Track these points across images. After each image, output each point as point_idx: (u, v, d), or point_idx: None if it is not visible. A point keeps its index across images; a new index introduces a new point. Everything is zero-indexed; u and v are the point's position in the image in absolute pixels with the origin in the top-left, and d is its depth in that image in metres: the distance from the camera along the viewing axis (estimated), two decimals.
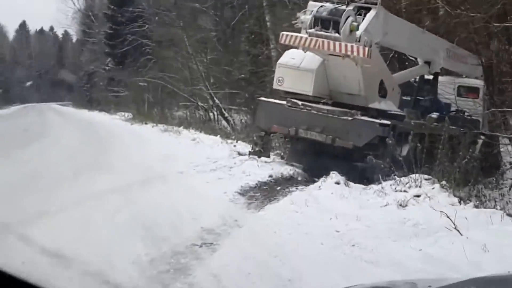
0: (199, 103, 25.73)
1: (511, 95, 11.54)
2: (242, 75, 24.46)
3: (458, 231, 6.13)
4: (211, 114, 25.18)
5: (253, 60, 23.75)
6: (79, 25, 57.50)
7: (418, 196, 7.75)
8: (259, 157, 11.39)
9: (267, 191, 9.09)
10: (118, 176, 10.46)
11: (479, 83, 14.19)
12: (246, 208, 8.04)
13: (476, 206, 7.44)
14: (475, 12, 11.84)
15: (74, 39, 71.06)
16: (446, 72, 14.16)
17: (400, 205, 7.49)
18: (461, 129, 11.59)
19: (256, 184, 9.42)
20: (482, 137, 13.23)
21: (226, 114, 23.90)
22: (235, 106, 24.86)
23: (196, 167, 11.12)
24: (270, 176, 10.06)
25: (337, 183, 8.85)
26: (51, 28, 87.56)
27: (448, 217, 6.27)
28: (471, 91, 14.18)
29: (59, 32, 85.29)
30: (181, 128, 20.15)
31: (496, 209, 7.51)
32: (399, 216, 7.08)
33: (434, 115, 12.04)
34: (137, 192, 8.93)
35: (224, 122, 23.73)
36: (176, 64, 28.20)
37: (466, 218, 6.43)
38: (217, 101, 24.25)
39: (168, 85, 28.35)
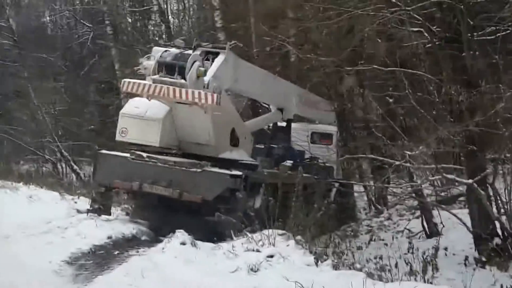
0: (46, 156, 24.10)
1: (364, 141, 11.34)
2: (92, 126, 23.43)
3: None
4: (59, 167, 23.61)
5: (103, 111, 22.92)
6: None
7: (272, 256, 6.97)
8: (99, 215, 10.21)
9: (101, 258, 7.90)
10: None
11: (332, 129, 14.10)
12: (71, 282, 6.82)
13: (334, 266, 6.84)
14: (326, 56, 11.66)
15: None
16: (299, 118, 13.88)
17: (251, 269, 6.65)
18: (315, 177, 11.20)
19: (91, 248, 8.19)
20: (337, 184, 13.00)
21: (75, 167, 22.54)
22: (86, 158, 23.53)
23: (25, 230, 9.61)
24: (109, 237, 8.91)
25: (183, 243, 7.85)
26: None
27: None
28: (325, 138, 14.06)
29: None
30: (20, 184, 18.23)
31: (356, 267, 6.97)
32: (250, 284, 6.21)
33: (288, 163, 11.54)
34: None
35: (73, 176, 22.45)
36: (22, 116, 26.33)
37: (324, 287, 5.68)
38: (65, 153, 23.00)
39: (12, 138, 26.33)
